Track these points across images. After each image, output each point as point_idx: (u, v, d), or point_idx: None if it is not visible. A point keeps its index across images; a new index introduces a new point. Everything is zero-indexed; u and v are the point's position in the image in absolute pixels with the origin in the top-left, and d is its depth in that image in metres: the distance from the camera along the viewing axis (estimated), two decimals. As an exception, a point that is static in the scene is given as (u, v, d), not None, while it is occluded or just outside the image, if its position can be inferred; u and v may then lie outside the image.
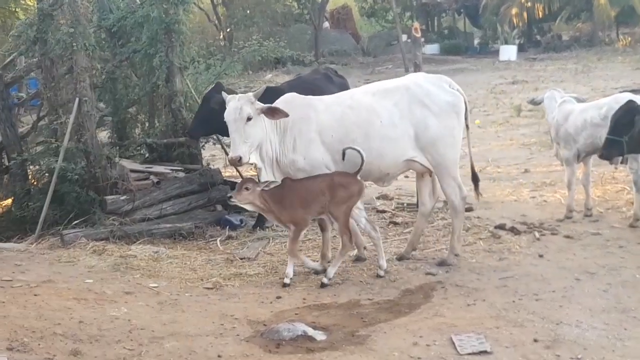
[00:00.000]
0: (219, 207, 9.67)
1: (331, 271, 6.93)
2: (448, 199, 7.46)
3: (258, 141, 6.83)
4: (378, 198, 10.16)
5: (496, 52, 33.71)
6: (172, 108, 9.93)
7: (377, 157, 7.04)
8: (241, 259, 7.88)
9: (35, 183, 9.85)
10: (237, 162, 6.83)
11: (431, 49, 36.46)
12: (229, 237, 8.77)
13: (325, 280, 6.87)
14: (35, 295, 6.31)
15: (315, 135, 7.01)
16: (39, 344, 5.16)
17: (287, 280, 6.93)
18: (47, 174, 9.37)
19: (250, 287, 7.00)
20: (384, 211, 9.38)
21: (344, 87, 9.71)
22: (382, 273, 7.05)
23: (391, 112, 7.09)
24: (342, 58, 32.39)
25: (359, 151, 6.77)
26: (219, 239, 8.70)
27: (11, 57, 11.07)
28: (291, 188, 6.87)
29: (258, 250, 8.14)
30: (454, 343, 5.26)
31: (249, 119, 6.72)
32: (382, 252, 7.16)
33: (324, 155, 7.03)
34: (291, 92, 7.76)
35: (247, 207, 7.00)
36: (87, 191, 8.79)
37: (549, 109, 9.10)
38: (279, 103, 7.06)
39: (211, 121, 8.49)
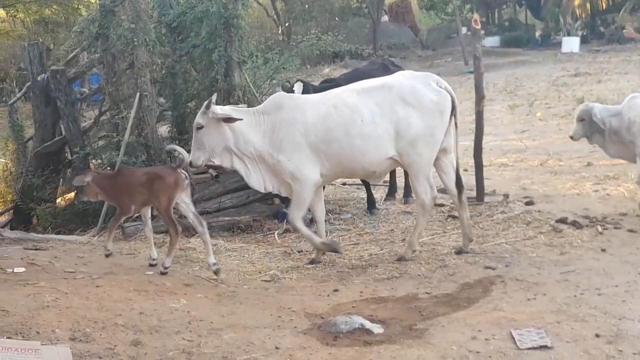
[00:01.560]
0: (277, 201, 9.70)
1: (167, 261, 7.04)
2: (418, 198, 7.42)
3: (216, 146, 7.16)
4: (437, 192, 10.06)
5: (558, 44, 33.10)
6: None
7: (360, 155, 7.12)
8: (299, 252, 7.91)
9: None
10: (190, 166, 7.22)
11: (491, 41, 35.93)
12: (287, 230, 8.79)
13: (162, 269, 7.01)
14: (97, 286, 6.41)
15: (301, 138, 7.14)
16: (101, 334, 5.24)
17: (106, 252, 7.26)
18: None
19: (307, 280, 7.02)
20: (442, 205, 9.29)
21: None
22: (213, 268, 7.00)
23: (372, 111, 7.12)
24: (401, 51, 32.23)
25: (178, 151, 7.12)
26: (276, 232, 8.73)
27: (74, 53, 11.30)
28: (122, 176, 7.17)
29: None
30: (513, 337, 5.18)
31: (198, 127, 7.14)
32: (210, 249, 7.07)
33: (309, 156, 7.15)
34: (347, 83, 7.88)
35: (94, 198, 7.33)
36: (148, 185, 8.91)
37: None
38: (266, 104, 7.43)
39: None
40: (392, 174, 9.94)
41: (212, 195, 9.23)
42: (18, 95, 12.54)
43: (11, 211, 11.26)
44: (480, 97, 9.44)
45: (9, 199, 11.88)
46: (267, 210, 9.49)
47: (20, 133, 11.81)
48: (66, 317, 5.45)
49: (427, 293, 6.43)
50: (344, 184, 11.08)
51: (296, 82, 9.06)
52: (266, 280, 7.01)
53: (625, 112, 8.53)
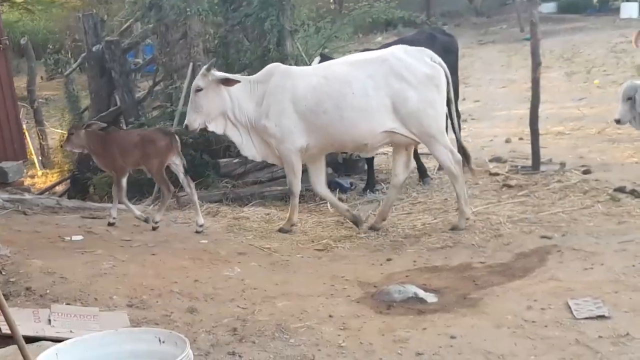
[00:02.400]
0: (329, 170, 9.67)
1: (157, 216, 7.42)
2: (443, 166, 7.43)
3: (213, 110, 7.21)
4: (491, 161, 9.95)
5: (617, 10, 32.18)
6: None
7: (350, 127, 7.11)
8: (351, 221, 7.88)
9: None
10: (185, 130, 7.39)
11: (548, 7, 35.07)
12: (340, 200, 8.78)
13: (153, 223, 7.36)
14: (152, 254, 6.50)
15: (289, 104, 7.16)
16: (157, 302, 5.31)
17: (111, 220, 7.43)
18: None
19: (360, 249, 7.01)
20: (497, 174, 9.18)
21: (450, 46, 9.52)
22: (199, 229, 7.34)
23: (364, 83, 7.09)
24: (455, 19, 31.73)
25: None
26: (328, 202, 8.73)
27: (127, 24, 11.39)
28: (114, 138, 7.43)
29: (368, 212, 8.13)
30: (570, 307, 5.09)
31: (197, 90, 7.18)
32: (198, 210, 7.42)
33: (296, 124, 7.19)
34: None
35: (79, 150, 7.63)
36: (201, 154, 8.97)
37: None
38: (261, 73, 7.46)
39: None
40: None
41: (264, 165, 9.24)
42: (73, 66, 12.72)
43: (68, 181, 11.45)
44: (536, 65, 9.26)
45: (66, 169, 12.10)
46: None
47: (76, 104, 11.98)
48: (123, 285, 5.54)
49: (481, 262, 6.37)
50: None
51: (316, 57, 8.99)
52: (319, 249, 7.02)
53: None
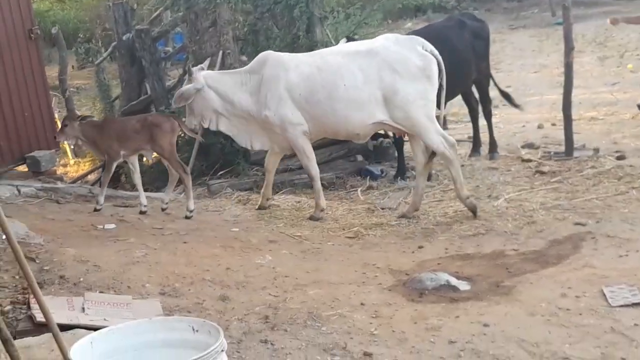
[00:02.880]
0: (360, 158, 9.65)
1: (191, 204, 7.47)
2: (437, 152, 7.40)
3: (204, 111, 7.42)
4: (523, 147, 9.85)
5: (650, -7, 31.76)
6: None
7: (342, 118, 7.26)
8: (382, 209, 7.87)
9: (182, 135, 10.15)
10: (188, 131, 7.81)
11: (579, -9, 34.71)
12: (370, 187, 8.76)
13: (187, 213, 7.43)
14: (184, 242, 6.52)
15: (284, 92, 7.27)
16: (189, 289, 5.33)
17: (142, 208, 7.53)
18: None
19: (391, 236, 6.98)
20: (529, 160, 9.08)
21: (480, 31, 9.45)
22: (189, 214, 7.42)
23: (355, 76, 7.19)
24: (485, 4, 31.38)
25: None
26: (359, 189, 8.70)
27: (157, 12, 11.42)
28: (110, 126, 7.58)
29: (399, 200, 8.10)
30: (605, 295, 5.04)
31: None
32: (190, 194, 7.49)
33: (293, 112, 7.30)
34: None
35: (72, 141, 7.69)
36: (232, 142, 8.96)
37: None
38: (253, 63, 7.62)
39: None
40: (476, 129, 9.77)
41: (294, 153, 9.22)
42: (104, 55, 12.77)
43: (100, 169, 11.52)
44: (569, 49, 9.14)
45: (98, 157, 12.16)
46: (350, 167, 9.45)
47: (107, 92, 12.05)
48: (155, 273, 5.57)
49: (514, 250, 6.32)
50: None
51: (342, 38, 8.92)
52: (350, 237, 7.00)
53: None
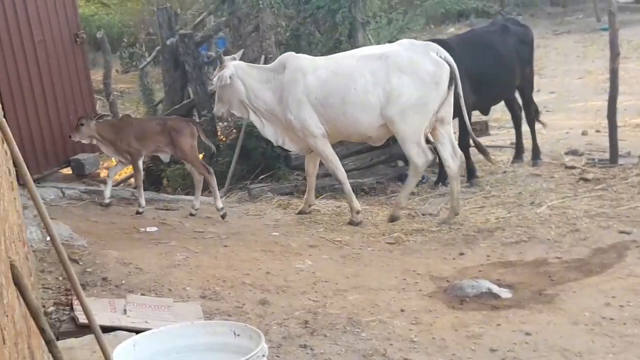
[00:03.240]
0: (400, 163, 9.60)
1: (219, 202, 7.53)
2: (411, 161, 7.51)
3: (232, 99, 7.60)
4: (567, 154, 9.72)
5: (698, -2, 31.17)
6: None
7: (352, 121, 7.36)
8: (423, 214, 7.82)
9: (224, 139, 10.22)
10: (217, 118, 8.09)
11: (625, -4, 34.23)
12: (411, 193, 8.70)
13: (221, 212, 7.48)
14: (225, 246, 6.55)
15: (303, 97, 7.39)
16: (230, 293, 5.36)
17: (139, 209, 7.54)
18: (234, 130, 9.71)
19: (432, 243, 6.94)
20: (573, 167, 8.96)
21: (524, 37, 9.36)
22: (221, 213, 7.51)
23: (366, 79, 7.27)
24: (529, 9, 31.11)
25: None
26: (400, 194, 8.65)
27: (201, 17, 11.48)
28: (128, 124, 7.63)
29: (440, 206, 8.04)
30: (650, 305, 4.96)
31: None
32: (217, 193, 7.60)
33: (311, 115, 7.40)
34: (458, 46, 8.33)
35: (87, 141, 7.62)
36: (273, 147, 8.99)
37: None
38: (276, 62, 7.75)
39: None
40: (519, 135, 9.67)
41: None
42: (148, 59, 12.88)
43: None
44: (615, 55, 8.99)
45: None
46: (391, 173, 9.42)
47: (150, 96, 12.14)
48: (196, 276, 5.60)
49: (557, 258, 6.24)
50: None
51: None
52: (390, 243, 6.97)
53: None
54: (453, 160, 7.44)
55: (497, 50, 8.86)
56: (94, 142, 7.66)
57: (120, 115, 9.50)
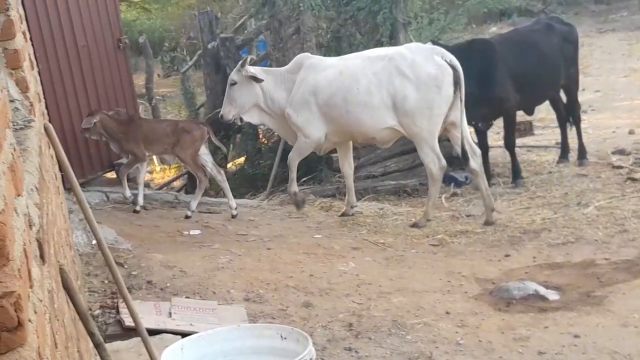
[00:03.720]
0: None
1: (193, 204, 7.61)
2: (426, 168, 7.52)
3: (246, 103, 7.65)
4: (614, 153, 9.56)
5: None
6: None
7: (355, 121, 7.40)
8: (467, 216, 7.75)
9: (265, 142, 10.24)
10: (221, 119, 7.89)
11: (671, -7, 33.58)
12: (454, 194, 8.63)
13: (188, 213, 7.54)
14: (268, 249, 6.55)
15: (310, 97, 7.49)
16: (273, 296, 5.35)
17: (234, 212, 7.65)
18: (276, 134, 9.70)
19: (477, 244, 6.86)
20: (620, 167, 8.80)
21: (569, 36, 9.23)
22: (234, 212, 7.65)
23: (369, 80, 7.31)
24: (573, 7, 30.69)
25: None
26: (443, 195, 8.57)
27: (242, 21, 11.52)
28: (138, 125, 7.68)
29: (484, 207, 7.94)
30: (702, 307, 4.85)
31: (232, 84, 7.69)
32: (230, 195, 7.74)
33: (315, 116, 7.50)
34: (501, 45, 8.43)
35: (97, 137, 7.68)
36: (314, 149, 8.98)
37: None
38: (291, 63, 7.85)
39: None
40: (564, 135, 9.54)
41: (377, 159, 9.20)
42: (189, 63, 12.96)
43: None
44: (661, 52, 8.82)
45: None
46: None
47: (192, 100, 12.21)
48: (240, 279, 5.61)
49: (605, 259, 6.13)
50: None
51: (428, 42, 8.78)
52: (434, 245, 6.92)
53: None
54: (473, 160, 7.40)
55: (541, 49, 8.75)
56: (103, 139, 7.72)
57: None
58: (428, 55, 7.32)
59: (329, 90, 7.43)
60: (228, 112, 7.77)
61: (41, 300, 1.45)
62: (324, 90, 7.44)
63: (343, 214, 7.90)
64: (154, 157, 11.48)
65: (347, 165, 7.99)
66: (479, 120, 8.63)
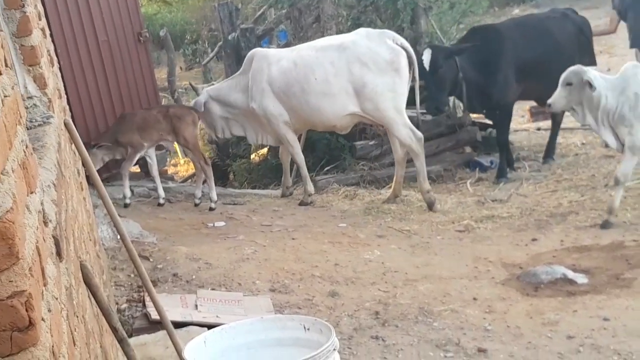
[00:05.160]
0: (468, 149, 9.47)
1: (213, 194, 7.66)
2: (404, 144, 7.63)
3: (214, 121, 8.10)
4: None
5: None
6: (418, 50, 9.81)
7: (315, 110, 7.61)
8: (492, 200, 7.68)
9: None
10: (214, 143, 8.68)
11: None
12: (479, 179, 8.57)
13: (212, 205, 7.59)
14: (292, 239, 6.54)
15: (266, 85, 7.71)
16: (299, 286, 5.34)
17: (127, 201, 7.51)
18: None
19: (503, 229, 6.80)
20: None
21: (583, 27, 9.00)
22: (213, 205, 7.61)
23: (326, 69, 7.50)
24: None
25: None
26: (468, 181, 8.53)
27: (262, 11, 11.49)
28: (130, 117, 7.62)
29: (510, 191, 7.88)
30: None
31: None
32: (213, 184, 7.73)
33: (274, 103, 7.73)
34: (507, 31, 8.52)
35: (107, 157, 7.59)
36: (337, 138, 8.95)
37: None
38: (244, 62, 8.09)
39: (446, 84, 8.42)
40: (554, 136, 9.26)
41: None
42: (211, 55, 12.99)
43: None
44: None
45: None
46: (458, 160, 9.29)
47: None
48: (265, 269, 5.61)
49: (634, 241, 6.04)
50: (539, 129, 10.62)
51: (425, 48, 8.67)
52: (460, 231, 6.86)
53: (632, 84, 6.35)
54: (411, 140, 7.50)
55: (554, 35, 8.59)
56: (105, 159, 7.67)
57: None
58: (381, 40, 7.53)
59: (284, 80, 7.64)
60: (210, 136, 8.39)
61: (57, 298, 1.44)
62: (278, 80, 7.66)
63: (387, 201, 7.95)
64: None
65: (401, 158, 7.98)
66: (479, 111, 8.68)
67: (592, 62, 9.09)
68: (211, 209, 7.55)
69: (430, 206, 7.47)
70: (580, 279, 5.31)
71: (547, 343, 4.36)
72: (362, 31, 7.89)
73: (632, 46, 9.29)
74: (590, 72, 6.37)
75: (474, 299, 5.10)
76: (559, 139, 9.41)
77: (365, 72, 7.41)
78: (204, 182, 7.83)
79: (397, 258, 6.06)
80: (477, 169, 8.92)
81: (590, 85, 6.22)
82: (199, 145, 7.88)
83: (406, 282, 5.47)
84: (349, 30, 10.22)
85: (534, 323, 4.66)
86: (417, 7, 9.56)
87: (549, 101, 6.64)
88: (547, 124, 10.28)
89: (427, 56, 8.22)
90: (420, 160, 7.59)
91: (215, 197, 7.65)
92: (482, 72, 8.22)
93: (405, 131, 7.46)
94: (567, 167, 8.42)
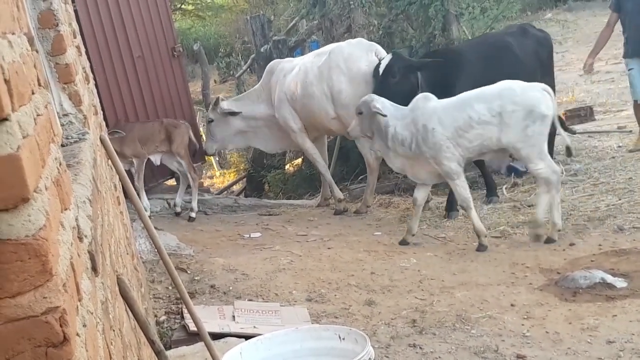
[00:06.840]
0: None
1: (194, 204, 7.88)
2: (364, 157, 7.96)
3: (227, 135, 8.31)
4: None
5: None
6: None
7: (309, 112, 7.95)
8: (528, 206, 7.61)
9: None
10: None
11: None
12: (515, 185, 8.49)
13: (192, 214, 7.83)
14: (328, 248, 6.56)
15: (283, 95, 8.04)
16: (335, 295, 5.36)
17: (193, 215, 7.85)
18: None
19: (540, 234, 6.73)
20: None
21: (543, 41, 8.57)
22: (192, 215, 7.82)
23: (314, 74, 7.82)
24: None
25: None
26: (504, 186, 8.46)
27: (293, 22, 11.56)
28: (131, 128, 7.76)
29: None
30: None
31: (210, 121, 8.36)
32: (196, 194, 7.92)
33: (290, 111, 8.01)
34: (469, 52, 7.88)
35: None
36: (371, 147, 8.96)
37: None
38: (264, 75, 8.46)
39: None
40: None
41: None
42: (244, 67, 13.07)
43: (244, 179, 11.80)
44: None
45: (241, 168, 12.49)
46: (493, 165, 9.21)
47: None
48: (302, 279, 5.63)
49: (674, 244, 5.96)
50: (574, 132, 10.51)
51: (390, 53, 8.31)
52: (496, 237, 6.81)
53: (420, 116, 6.41)
54: (370, 154, 7.73)
55: (516, 53, 8.16)
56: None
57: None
58: (364, 51, 7.73)
59: (292, 86, 7.92)
60: (210, 147, 8.49)
61: (92, 313, 1.47)
62: (290, 87, 7.93)
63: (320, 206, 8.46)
64: (213, 161, 11.63)
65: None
66: None
67: (551, 79, 8.32)
68: (191, 219, 7.76)
69: (358, 213, 7.92)
70: (619, 283, 5.25)
71: (587, 348, 4.32)
72: (353, 40, 8.19)
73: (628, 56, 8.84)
74: (379, 102, 6.45)
75: (512, 305, 5.07)
76: (595, 142, 9.31)
77: (342, 78, 7.65)
78: (188, 187, 8.04)
79: (434, 265, 6.05)
80: (513, 174, 8.84)
81: (381, 114, 6.37)
82: (189, 155, 8.05)
83: (443, 290, 5.45)
84: (380, 39, 10.24)
85: (573, 328, 4.61)
86: (448, 13, 9.52)
87: (348, 130, 6.93)
88: (582, 127, 10.19)
89: (385, 62, 7.51)
90: (373, 176, 8.02)
91: (196, 207, 7.85)
92: (438, 93, 7.58)
93: (367, 147, 7.50)
94: (603, 171, 8.31)
